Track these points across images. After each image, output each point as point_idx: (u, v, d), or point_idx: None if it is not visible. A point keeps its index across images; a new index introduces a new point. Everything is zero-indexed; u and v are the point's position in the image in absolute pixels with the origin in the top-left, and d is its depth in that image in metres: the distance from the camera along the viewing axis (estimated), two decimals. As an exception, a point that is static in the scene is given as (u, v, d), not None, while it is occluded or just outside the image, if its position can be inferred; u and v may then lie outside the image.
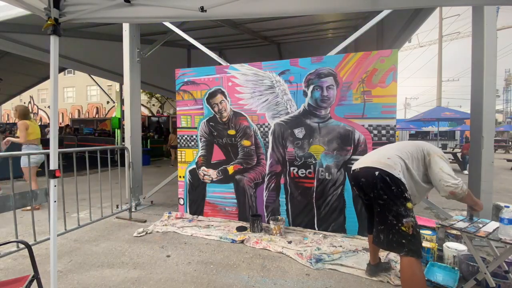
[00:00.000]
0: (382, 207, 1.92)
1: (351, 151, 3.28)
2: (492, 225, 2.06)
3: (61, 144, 11.03)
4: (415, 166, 2.04)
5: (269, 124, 3.63)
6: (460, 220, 2.18)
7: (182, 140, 4.15)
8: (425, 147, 2.11)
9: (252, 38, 7.64)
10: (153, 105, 24.85)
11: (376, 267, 2.41)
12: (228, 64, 3.89)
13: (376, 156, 2.11)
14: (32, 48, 6.94)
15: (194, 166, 4.06)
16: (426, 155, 2.06)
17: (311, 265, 2.59)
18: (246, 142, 3.77)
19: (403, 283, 1.86)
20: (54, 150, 1.83)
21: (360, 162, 2.16)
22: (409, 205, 1.87)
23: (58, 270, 2.46)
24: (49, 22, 1.69)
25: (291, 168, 3.54)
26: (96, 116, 26.66)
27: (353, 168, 2.19)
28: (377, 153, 2.19)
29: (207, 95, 3.94)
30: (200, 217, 3.98)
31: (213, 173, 3.96)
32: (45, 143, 3.88)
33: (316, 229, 3.45)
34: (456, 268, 2.43)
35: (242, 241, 3.14)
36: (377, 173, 1.93)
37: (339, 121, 3.32)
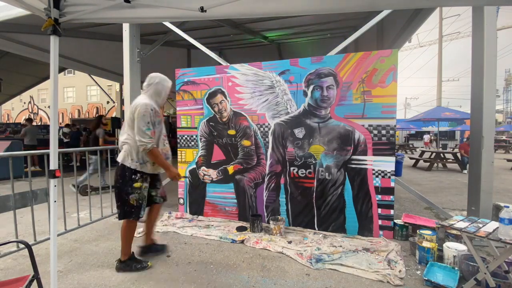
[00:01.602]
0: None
1: (351, 151, 3.28)
2: (492, 225, 2.06)
3: (61, 144, 11.04)
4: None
5: (269, 124, 3.63)
6: (460, 220, 2.18)
7: (182, 140, 4.15)
8: (133, 109, 2.38)
9: (252, 38, 7.63)
10: (153, 105, 24.77)
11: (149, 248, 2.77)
12: (228, 64, 3.89)
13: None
14: (32, 48, 6.94)
15: (194, 166, 4.06)
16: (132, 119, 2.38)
17: (311, 265, 2.59)
18: (246, 142, 3.77)
19: None
20: (54, 150, 1.83)
21: None
22: (136, 184, 2.44)
23: (58, 270, 2.46)
24: (47, 22, 1.68)
25: (291, 168, 3.54)
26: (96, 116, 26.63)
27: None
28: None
29: (207, 95, 3.94)
30: (200, 217, 3.98)
31: (213, 173, 3.96)
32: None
33: (316, 229, 3.45)
34: (456, 268, 2.43)
35: (242, 241, 3.14)
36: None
37: (339, 121, 3.32)
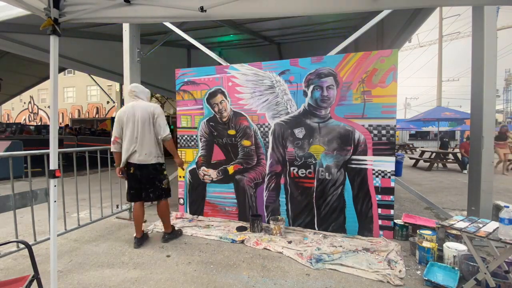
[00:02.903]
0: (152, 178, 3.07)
1: (351, 151, 3.28)
2: (492, 225, 2.06)
3: (61, 144, 11.05)
4: (154, 139, 3.03)
5: (269, 124, 3.63)
6: (460, 220, 2.18)
7: (182, 140, 4.15)
8: (147, 114, 2.98)
9: (252, 38, 7.64)
10: (153, 105, 24.81)
11: (142, 239, 3.09)
12: (228, 64, 3.89)
13: (143, 152, 2.99)
14: (32, 48, 6.93)
15: (194, 166, 4.06)
16: (152, 120, 3.00)
17: (311, 265, 2.59)
18: (246, 142, 3.77)
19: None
20: (54, 150, 1.83)
21: (135, 159, 2.99)
22: (165, 172, 3.16)
23: (58, 270, 2.46)
24: (47, 22, 1.68)
25: (291, 168, 3.54)
26: (96, 116, 26.65)
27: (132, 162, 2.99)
28: (142, 150, 2.98)
29: (207, 95, 3.94)
30: (200, 217, 3.98)
31: (213, 173, 3.96)
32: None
33: (316, 229, 3.45)
34: (456, 268, 2.43)
35: (242, 241, 3.14)
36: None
37: (339, 121, 3.32)
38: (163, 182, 3.09)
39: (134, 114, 2.96)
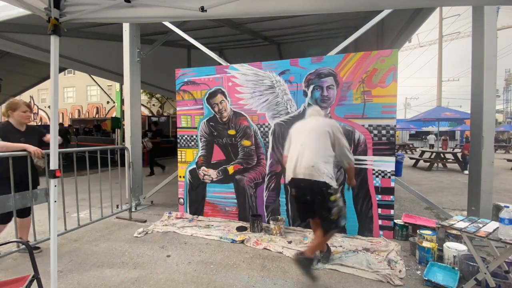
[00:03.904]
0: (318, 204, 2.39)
1: (351, 151, 3.27)
2: (492, 225, 2.06)
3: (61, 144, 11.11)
4: (328, 154, 2.45)
5: (269, 124, 3.63)
6: (460, 220, 2.18)
7: (182, 140, 4.15)
8: (328, 127, 2.50)
9: (252, 38, 7.63)
10: (153, 105, 24.84)
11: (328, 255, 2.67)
12: (228, 64, 3.89)
13: (304, 164, 2.39)
14: (32, 48, 6.93)
15: (194, 166, 4.06)
16: (331, 134, 2.47)
17: (311, 265, 2.58)
18: (246, 142, 3.77)
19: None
20: (54, 150, 1.83)
21: (295, 172, 2.45)
22: (332, 198, 2.34)
23: (58, 270, 2.46)
24: (51, 22, 1.68)
25: (291, 168, 3.53)
26: (96, 116, 26.64)
27: (292, 176, 2.47)
28: (303, 159, 2.42)
29: (207, 95, 3.94)
30: (200, 217, 3.98)
31: (213, 173, 3.96)
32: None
33: (316, 229, 3.44)
34: (456, 268, 2.43)
35: (242, 241, 3.14)
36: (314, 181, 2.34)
37: (339, 121, 3.31)
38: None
39: None
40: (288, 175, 2.51)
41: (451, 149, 15.67)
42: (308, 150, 2.42)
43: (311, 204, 2.43)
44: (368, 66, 3.19)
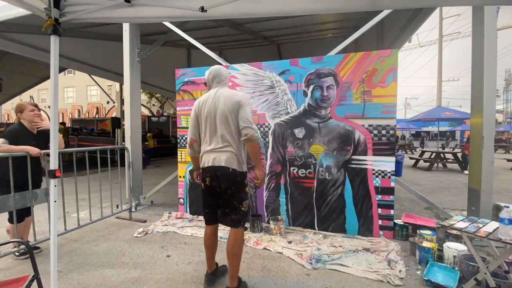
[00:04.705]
0: (230, 195, 2.13)
1: (351, 151, 3.28)
2: (492, 225, 2.06)
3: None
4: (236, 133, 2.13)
5: (269, 124, 3.63)
6: (460, 220, 2.18)
7: (182, 140, 4.15)
8: (237, 99, 2.13)
9: (252, 38, 7.64)
10: (153, 105, 24.86)
11: (214, 275, 2.34)
12: (228, 64, 3.89)
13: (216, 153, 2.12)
14: (32, 48, 6.94)
15: (194, 166, 4.06)
16: (238, 107, 2.11)
17: (311, 265, 2.59)
18: (246, 142, 3.76)
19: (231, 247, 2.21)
20: (54, 150, 1.83)
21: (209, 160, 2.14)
22: (247, 189, 2.17)
23: (58, 270, 2.46)
24: (48, 22, 1.68)
25: (291, 168, 3.54)
26: (96, 116, 26.65)
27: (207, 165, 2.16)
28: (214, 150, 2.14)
29: (207, 95, 3.92)
30: (200, 217, 3.97)
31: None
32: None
33: (316, 229, 3.45)
34: (456, 268, 2.43)
35: (242, 241, 3.13)
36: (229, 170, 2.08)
37: (339, 121, 3.32)
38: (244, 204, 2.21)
39: None
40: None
41: (451, 148, 15.67)
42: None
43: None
44: (368, 66, 3.19)
